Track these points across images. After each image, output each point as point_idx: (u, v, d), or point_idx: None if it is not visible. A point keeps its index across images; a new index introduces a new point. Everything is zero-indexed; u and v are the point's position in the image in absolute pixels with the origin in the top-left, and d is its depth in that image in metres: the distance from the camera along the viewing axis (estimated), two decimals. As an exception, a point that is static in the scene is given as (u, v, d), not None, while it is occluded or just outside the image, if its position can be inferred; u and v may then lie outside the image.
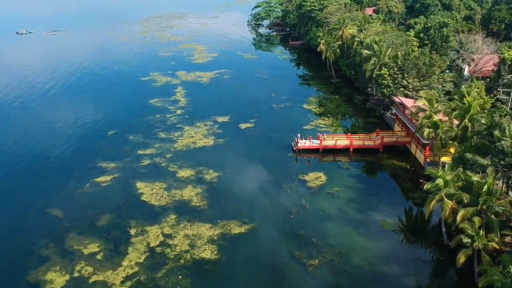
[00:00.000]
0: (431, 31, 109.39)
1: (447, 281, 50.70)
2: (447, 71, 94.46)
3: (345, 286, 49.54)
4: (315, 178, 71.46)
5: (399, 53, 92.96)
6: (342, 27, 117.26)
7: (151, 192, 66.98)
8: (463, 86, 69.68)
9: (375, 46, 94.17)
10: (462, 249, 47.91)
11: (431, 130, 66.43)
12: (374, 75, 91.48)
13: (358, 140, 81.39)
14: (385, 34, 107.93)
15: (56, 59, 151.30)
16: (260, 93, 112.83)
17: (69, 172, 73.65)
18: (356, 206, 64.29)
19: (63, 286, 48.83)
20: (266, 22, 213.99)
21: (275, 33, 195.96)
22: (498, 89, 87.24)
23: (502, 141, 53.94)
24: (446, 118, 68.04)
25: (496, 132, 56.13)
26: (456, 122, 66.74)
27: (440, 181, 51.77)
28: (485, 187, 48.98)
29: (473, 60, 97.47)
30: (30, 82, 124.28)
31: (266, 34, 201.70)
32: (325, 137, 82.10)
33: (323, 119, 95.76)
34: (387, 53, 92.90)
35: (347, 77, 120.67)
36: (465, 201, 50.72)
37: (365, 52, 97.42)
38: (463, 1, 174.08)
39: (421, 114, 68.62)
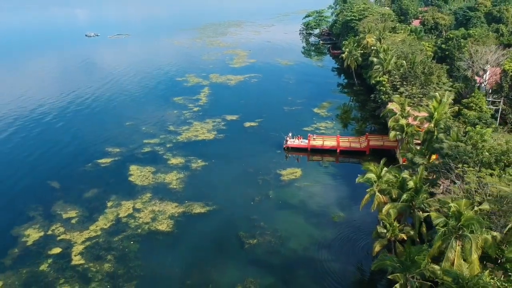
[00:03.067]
0: (449, 42, 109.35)
1: (367, 270, 53.65)
2: (451, 80, 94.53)
3: (269, 263, 54.34)
4: (291, 173, 76.26)
5: (403, 61, 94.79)
6: (366, 36, 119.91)
7: (139, 174, 75.47)
8: (436, 93, 71.34)
9: (381, 55, 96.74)
10: (378, 239, 51.17)
11: (397, 132, 69.07)
12: (373, 81, 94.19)
13: (344, 142, 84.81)
14: (403, 43, 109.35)
15: (115, 59, 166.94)
16: (278, 96, 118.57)
17: (78, 152, 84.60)
18: (318, 200, 68.42)
19: (35, 239, 58.31)
20: (317, 31, 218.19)
21: (321, 42, 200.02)
22: (499, 101, 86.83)
23: (443, 143, 56.29)
24: (417, 122, 70.24)
25: (441, 135, 58.37)
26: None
27: (372, 176, 55.06)
28: (411, 184, 51.85)
29: (484, 71, 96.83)
30: (89, 82, 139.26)
31: (315, 43, 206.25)
32: (314, 137, 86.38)
33: (326, 123, 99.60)
34: (391, 61, 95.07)
35: (368, 84, 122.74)
36: (394, 196, 53.74)
37: (375, 59, 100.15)
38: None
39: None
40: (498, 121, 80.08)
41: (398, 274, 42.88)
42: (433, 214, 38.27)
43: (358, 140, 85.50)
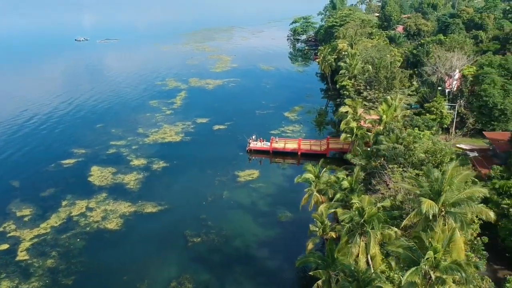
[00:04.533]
0: (419, 47, 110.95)
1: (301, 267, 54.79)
2: (419, 85, 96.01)
3: (209, 260, 55.74)
4: (248, 175, 77.73)
5: (369, 66, 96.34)
6: (338, 42, 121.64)
7: (99, 175, 77.04)
8: (388, 97, 72.82)
9: (347, 60, 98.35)
10: (311, 237, 52.49)
11: (348, 135, 70.53)
12: (337, 86, 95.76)
13: (305, 145, 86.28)
14: (373, 49, 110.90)
15: (98, 63, 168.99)
16: (252, 100, 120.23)
17: (44, 153, 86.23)
18: (269, 200, 69.83)
19: (-15, 236, 59.71)
20: (304, 37, 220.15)
21: (307, 47, 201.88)
22: (460, 105, 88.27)
23: (381, 145, 57.70)
24: (368, 125, 71.75)
25: (381, 137, 59.77)
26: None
27: (310, 176, 56.47)
28: (346, 184, 53.22)
29: (449, 76, 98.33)
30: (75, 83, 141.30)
31: (301, 48, 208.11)
32: (277, 140, 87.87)
33: (294, 126, 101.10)
34: (357, 66, 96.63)
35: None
36: (330, 195, 55.12)
37: (342, 64, 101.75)
38: (497, 21, 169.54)
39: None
40: (454, 125, 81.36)
41: (320, 270, 44.15)
42: (339, 211, 39.71)
43: (319, 143, 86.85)
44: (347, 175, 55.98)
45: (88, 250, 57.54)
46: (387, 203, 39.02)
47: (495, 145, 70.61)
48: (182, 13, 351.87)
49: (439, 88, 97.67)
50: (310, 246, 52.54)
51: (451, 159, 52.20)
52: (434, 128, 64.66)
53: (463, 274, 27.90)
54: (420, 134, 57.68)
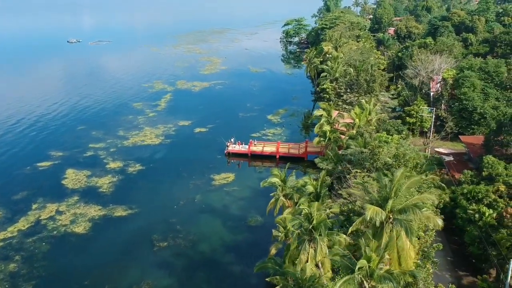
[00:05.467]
0: (403, 50, 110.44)
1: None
2: (398, 88, 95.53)
3: (173, 265, 55.14)
4: (224, 178, 77.19)
5: (351, 69, 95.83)
6: (323, 44, 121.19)
7: (74, 178, 76.56)
8: (363, 100, 72.27)
9: (329, 62, 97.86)
10: (275, 243, 51.85)
11: (321, 139, 69.97)
12: (318, 89, 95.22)
13: (284, 148, 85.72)
14: (356, 52, 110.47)
15: (87, 65, 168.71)
16: (237, 103, 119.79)
17: (21, 155, 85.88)
18: (241, 204, 69.30)
19: (-49, 240, 59.20)
20: (296, 39, 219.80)
21: (298, 50, 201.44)
22: (439, 109, 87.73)
23: (348, 149, 57.16)
24: (342, 128, 71.19)
25: (350, 141, 59.19)
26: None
27: (276, 180, 55.82)
28: (310, 188, 52.65)
29: (432, 80, 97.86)
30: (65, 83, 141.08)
31: (293, 51, 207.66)
32: (255, 143, 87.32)
33: (276, 129, 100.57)
34: (339, 69, 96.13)
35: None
36: (296, 200, 54.48)
37: (324, 67, 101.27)
38: (488, 24, 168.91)
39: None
40: (432, 129, 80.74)
41: (277, 276, 43.56)
42: (288, 217, 39.08)
43: (298, 146, 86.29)
44: (314, 180, 55.31)
45: (52, 254, 57.01)
46: (336, 209, 38.41)
47: (470, 150, 70.12)
48: (177, 14, 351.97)
49: (422, 91, 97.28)
50: (273, 251, 51.91)
51: (417, 164, 51.63)
52: (404, 132, 64.02)
53: (394, 284, 27.29)
54: (388, 138, 57.06)
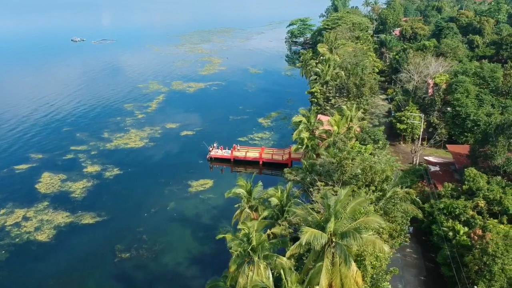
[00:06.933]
0: (400, 53, 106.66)
1: None
2: (392, 93, 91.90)
3: (131, 278, 52.89)
4: (201, 184, 74.73)
5: (342, 72, 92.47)
6: (319, 46, 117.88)
7: (48, 182, 74.78)
8: (344, 106, 69.05)
9: (320, 65, 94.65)
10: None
11: (299, 146, 66.99)
12: (307, 92, 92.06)
13: (267, 154, 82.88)
14: (352, 53, 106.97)
15: (86, 64, 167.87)
16: (229, 105, 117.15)
17: (0, 157, 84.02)
18: (215, 213, 66.91)
19: None
20: (301, 39, 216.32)
21: (301, 50, 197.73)
22: (432, 115, 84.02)
23: (318, 159, 54.14)
24: (323, 135, 68.08)
25: (321, 150, 56.14)
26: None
27: (241, 191, 53.13)
28: (275, 201, 49.93)
29: (428, 84, 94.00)
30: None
31: (298, 51, 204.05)
32: (238, 148, 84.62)
33: (264, 133, 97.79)
34: (329, 72, 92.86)
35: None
36: (260, 213, 51.76)
37: (316, 70, 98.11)
38: (497, 26, 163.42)
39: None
40: (420, 136, 77.13)
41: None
42: (228, 237, 36.30)
43: (283, 152, 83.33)
44: (282, 191, 52.47)
45: (10, 263, 55.19)
46: (277, 229, 35.52)
47: (456, 160, 66.42)
48: (184, 14, 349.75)
49: (416, 96, 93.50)
50: (233, 268, 49.15)
51: (386, 177, 48.38)
52: (381, 142, 60.55)
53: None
54: (362, 148, 53.84)
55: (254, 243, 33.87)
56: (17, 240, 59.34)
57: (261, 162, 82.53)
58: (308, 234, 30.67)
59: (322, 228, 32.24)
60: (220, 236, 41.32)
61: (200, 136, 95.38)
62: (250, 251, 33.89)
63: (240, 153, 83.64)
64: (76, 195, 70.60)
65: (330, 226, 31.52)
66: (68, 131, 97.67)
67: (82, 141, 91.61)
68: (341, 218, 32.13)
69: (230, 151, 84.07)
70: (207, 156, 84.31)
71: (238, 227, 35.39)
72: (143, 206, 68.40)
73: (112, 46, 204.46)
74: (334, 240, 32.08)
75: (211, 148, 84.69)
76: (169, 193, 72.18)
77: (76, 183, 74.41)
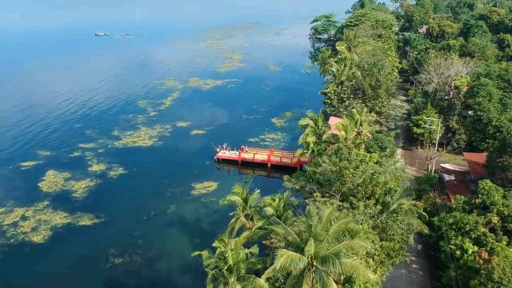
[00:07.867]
0: (422, 53, 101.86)
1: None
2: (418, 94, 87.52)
3: (123, 285, 51.00)
4: (205, 187, 72.54)
5: (359, 72, 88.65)
6: (337, 45, 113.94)
7: (51, 180, 73.94)
8: (354, 109, 65.53)
9: (335, 65, 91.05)
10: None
11: (304, 150, 63.96)
12: (320, 93, 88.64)
13: (276, 157, 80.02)
14: (370, 53, 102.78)
15: (107, 59, 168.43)
16: (244, 103, 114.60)
17: (8, 154, 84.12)
18: (215, 218, 64.74)
19: None
20: (325, 36, 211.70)
21: (322, 48, 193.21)
22: (451, 119, 79.58)
23: (319, 168, 51.13)
24: (332, 140, 64.80)
25: (324, 158, 52.99)
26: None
27: (237, 199, 50.62)
28: (270, 210, 47.31)
29: (450, 86, 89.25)
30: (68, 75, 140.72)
31: (321, 48, 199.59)
32: (247, 149, 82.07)
33: (276, 134, 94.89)
34: (345, 72, 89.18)
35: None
36: (255, 222, 49.24)
37: (331, 69, 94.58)
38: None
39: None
40: (437, 141, 72.88)
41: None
42: (204, 254, 33.77)
43: (292, 155, 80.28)
44: (280, 200, 49.64)
45: (1, 264, 54.01)
46: (254, 249, 32.81)
47: (472, 169, 62.13)
48: (209, 9, 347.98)
49: (436, 98, 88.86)
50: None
51: (389, 190, 44.95)
52: (389, 150, 56.77)
53: None
54: (366, 157, 50.44)
55: (230, 262, 31.23)
56: (12, 240, 58.41)
57: (269, 165, 79.72)
58: (283, 258, 27.87)
59: (302, 250, 29.34)
60: (196, 253, 38.75)
61: (210, 136, 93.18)
62: (225, 271, 31.28)
63: (248, 155, 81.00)
64: (77, 195, 69.39)
65: (310, 249, 28.57)
66: (79, 128, 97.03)
67: (91, 139, 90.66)
68: (322, 240, 29.14)
69: (238, 152, 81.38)
70: (215, 157, 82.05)
71: (213, 245, 32.83)
72: (143, 208, 66.62)
73: (134, 41, 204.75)
74: (315, 264, 29.14)
75: (218, 149, 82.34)
76: (171, 195, 70.25)
77: (79, 182, 73.26)
